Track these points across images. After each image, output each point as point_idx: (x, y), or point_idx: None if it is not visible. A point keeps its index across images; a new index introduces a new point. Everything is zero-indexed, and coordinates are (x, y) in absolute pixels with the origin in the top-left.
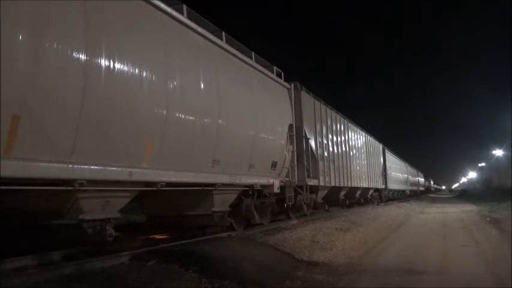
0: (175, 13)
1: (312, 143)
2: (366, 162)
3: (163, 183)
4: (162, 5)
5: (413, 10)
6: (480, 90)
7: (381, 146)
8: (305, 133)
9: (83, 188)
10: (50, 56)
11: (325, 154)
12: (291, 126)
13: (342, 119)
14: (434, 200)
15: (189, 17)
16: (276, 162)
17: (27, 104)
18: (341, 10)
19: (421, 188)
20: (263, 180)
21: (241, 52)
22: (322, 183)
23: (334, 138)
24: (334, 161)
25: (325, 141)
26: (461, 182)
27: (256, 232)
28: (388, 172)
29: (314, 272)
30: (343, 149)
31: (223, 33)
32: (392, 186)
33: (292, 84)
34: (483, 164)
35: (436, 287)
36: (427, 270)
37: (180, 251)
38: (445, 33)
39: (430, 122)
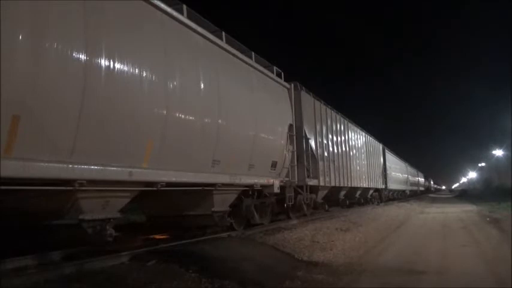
0: (175, 13)
1: (312, 143)
2: (366, 162)
3: (163, 183)
4: (162, 5)
5: (413, 10)
6: (480, 90)
7: (381, 146)
8: (305, 133)
9: (83, 188)
10: (50, 56)
11: (325, 154)
12: (291, 126)
13: (342, 119)
14: (434, 200)
15: (189, 17)
16: (276, 162)
17: (27, 104)
18: (341, 10)
19: (421, 188)
20: (263, 180)
21: (241, 52)
22: (322, 183)
23: (334, 138)
24: (334, 161)
25: (325, 141)
26: (461, 182)
27: (256, 232)
28: (388, 172)
29: (314, 272)
30: (343, 149)
31: (223, 33)
32: (392, 186)
33: (292, 84)
34: (483, 164)
35: (436, 287)
36: (427, 270)
37: (180, 251)
38: (445, 33)
39: (430, 122)
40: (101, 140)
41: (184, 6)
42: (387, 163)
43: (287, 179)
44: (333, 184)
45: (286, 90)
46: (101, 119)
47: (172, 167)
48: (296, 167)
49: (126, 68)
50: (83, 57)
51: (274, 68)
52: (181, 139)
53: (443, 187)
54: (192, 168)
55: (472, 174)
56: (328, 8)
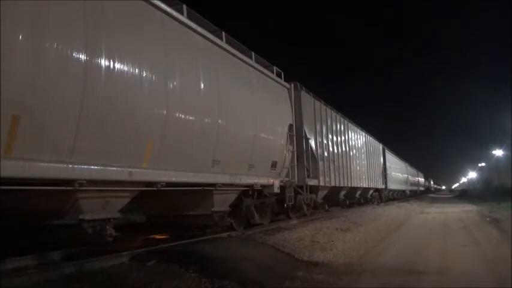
0: (175, 13)
1: (312, 143)
2: (366, 162)
3: (163, 183)
4: (162, 5)
5: (413, 10)
6: (480, 90)
7: (381, 146)
8: (305, 133)
9: (83, 188)
10: (50, 56)
11: (325, 154)
12: (291, 126)
13: (342, 119)
14: (434, 200)
15: (189, 17)
16: (276, 162)
17: (27, 104)
18: (341, 10)
19: (421, 188)
20: (263, 180)
21: (241, 52)
22: (322, 183)
23: (334, 138)
24: (334, 161)
25: (325, 141)
26: (461, 182)
27: (256, 232)
28: (388, 172)
29: (314, 272)
30: (343, 149)
31: (223, 33)
32: (392, 186)
33: (292, 84)
34: (483, 164)
35: (436, 287)
36: (427, 270)
37: (180, 251)
38: (445, 33)
39: (430, 122)
40: (101, 140)
41: (184, 6)
42: (387, 163)
43: (287, 179)
44: (333, 184)
45: (286, 90)
46: (101, 119)
47: (172, 167)
48: (296, 167)
49: (126, 68)
50: (83, 57)
51: (274, 68)
52: (181, 139)
53: (443, 187)
54: (192, 168)
55: (472, 174)
56: (328, 8)
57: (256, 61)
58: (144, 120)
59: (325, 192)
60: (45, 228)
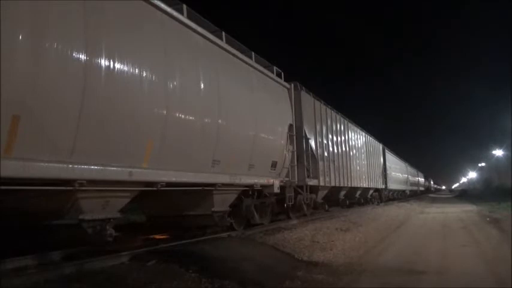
0: (175, 13)
1: (312, 143)
2: (366, 162)
3: (163, 183)
4: (162, 5)
5: (413, 10)
6: (480, 90)
7: (381, 146)
8: (305, 133)
9: (83, 188)
10: (50, 56)
11: (325, 154)
12: (291, 126)
13: (342, 119)
14: (434, 200)
15: (189, 17)
16: (276, 162)
17: (27, 104)
18: (341, 10)
19: (421, 188)
20: (263, 180)
21: (241, 52)
22: (322, 183)
23: (334, 138)
24: (334, 161)
25: (325, 141)
26: (461, 182)
27: (256, 232)
28: (388, 172)
29: (314, 272)
30: (343, 149)
31: (223, 33)
32: (392, 186)
33: (292, 84)
34: (483, 164)
35: (436, 287)
36: (427, 270)
37: (180, 251)
38: (445, 33)
39: (430, 122)
40: (101, 140)
41: (184, 6)
42: (387, 163)
43: (287, 179)
44: (333, 184)
45: (286, 90)
46: (101, 119)
47: (172, 167)
48: (296, 167)
49: (126, 68)
50: (83, 57)
51: (274, 68)
52: (181, 139)
53: (443, 187)
54: (192, 168)
55: (472, 174)
56: (328, 8)
57: (256, 61)
58: (144, 120)
59: (325, 192)
60: (45, 228)
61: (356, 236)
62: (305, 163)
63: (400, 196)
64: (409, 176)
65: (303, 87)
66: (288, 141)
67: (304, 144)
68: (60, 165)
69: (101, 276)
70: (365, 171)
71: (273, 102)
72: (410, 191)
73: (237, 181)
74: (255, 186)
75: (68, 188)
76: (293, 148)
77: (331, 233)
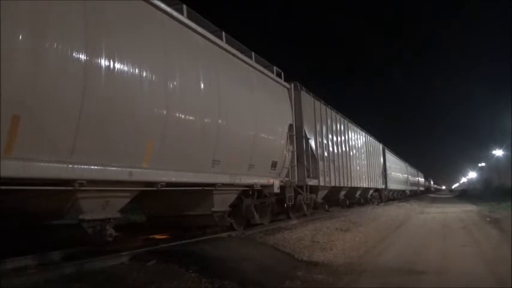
0: (175, 13)
1: (312, 143)
2: (366, 162)
3: (163, 183)
4: (162, 5)
5: (413, 10)
6: (480, 90)
7: (381, 146)
8: (305, 133)
9: (83, 188)
10: (50, 56)
11: (325, 154)
12: (291, 126)
13: (342, 119)
14: (434, 200)
15: (189, 17)
16: (276, 162)
17: (27, 104)
18: (341, 10)
19: (421, 188)
20: (263, 180)
21: (241, 52)
22: (322, 183)
23: (334, 138)
24: (334, 161)
25: (325, 141)
26: (461, 182)
27: (256, 232)
28: (388, 172)
29: (314, 272)
30: (343, 149)
31: (223, 33)
32: (392, 186)
33: (292, 84)
34: (483, 164)
35: (436, 287)
36: (427, 270)
37: (180, 251)
38: (445, 33)
39: (430, 122)
40: (101, 140)
41: (184, 6)
42: (387, 163)
43: (287, 179)
44: (333, 184)
45: (286, 90)
46: (101, 119)
47: (172, 167)
48: (296, 167)
49: (126, 68)
50: (83, 57)
51: (274, 68)
52: (181, 139)
53: (443, 187)
54: (192, 168)
55: (472, 174)
56: (328, 8)
57: (256, 61)
58: (144, 120)
59: (325, 192)
60: (45, 228)
61: (356, 236)
62: (305, 163)
63: (400, 196)
64: (409, 176)
65: (303, 87)
66: (288, 141)
67: (304, 144)
68: (60, 165)
69: (101, 276)
70: (365, 171)
71: (273, 102)
72: (410, 191)
73: (237, 181)
74: (255, 186)
75: (68, 188)
76: (293, 148)
77: (331, 233)
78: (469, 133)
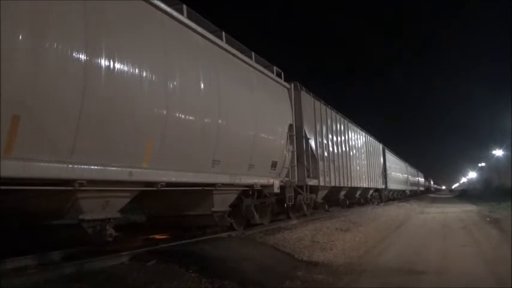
0: (175, 13)
1: (312, 143)
2: (366, 162)
3: (163, 183)
4: (162, 5)
5: (413, 10)
6: (480, 90)
7: (381, 146)
8: (305, 133)
9: (83, 188)
10: (50, 56)
11: (325, 154)
12: (291, 126)
13: (342, 119)
14: (434, 200)
15: (189, 17)
16: (276, 162)
17: (27, 104)
18: (341, 10)
19: (421, 188)
20: (263, 180)
21: (241, 52)
22: (322, 183)
23: (334, 138)
24: (334, 161)
25: (325, 141)
26: (461, 182)
27: (256, 232)
28: (388, 172)
29: (314, 272)
30: (343, 149)
31: (223, 33)
32: (392, 186)
33: (292, 84)
34: (483, 164)
35: (436, 287)
36: (427, 270)
37: (180, 251)
38: (445, 33)
39: (430, 122)
40: (101, 140)
41: (184, 6)
42: (387, 163)
43: (287, 179)
44: (333, 184)
45: (286, 90)
46: (101, 119)
47: (172, 167)
48: (296, 167)
49: (126, 68)
50: (83, 57)
51: (274, 68)
52: (181, 139)
53: (443, 187)
54: (192, 168)
55: (472, 174)
56: (328, 8)
57: (256, 61)
58: (144, 120)
59: (325, 192)
60: (45, 228)
61: (356, 236)
62: (305, 163)
63: (400, 196)
64: (409, 176)
65: (303, 87)
66: (288, 141)
67: (304, 144)
68: (60, 165)
69: (101, 276)
70: (365, 171)
71: (273, 102)
72: (410, 191)
73: (237, 181)
74: (255, 186)
75: (68, 188)
76: (293, 148)
77: (331, 233)
78: (469, 133)
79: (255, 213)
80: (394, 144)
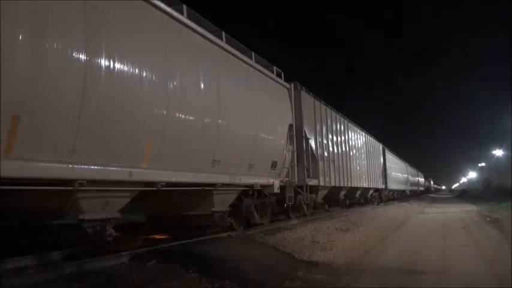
0: (175, 13)
1: (312, 143)
2: (366, 162)
3: (163, 183)
4: (162, 5)
5: (413, 10)
6: (480, 90)
7: (381, 146)
8: (305, 133)
9: (83, 188)
10: (50, 56)
11: (325, 154)
12: (291, 126)
13: (342, 119)
14: (434, 200)
15: (189, 17)
16: (276, 162)
17: (27, 104)
18: (341, 10)
19: (421, 188)
20: (263, 180)
21: (241, 52)
22: (322, 183)
23: (334, 138)
24: (334, 161)
25: (325, 141)
26: (461, 182)
27: (256, 232)
28: (388, 172)
29: (314, 272)
30: (343, 149)
31: (223, 33)
32: (392, 186)
33: (292, 84)
34: (483, 164)
35: (436, 287)
36: (427, 270)
37: (180, 251)
38: (445, 33)
39: (430, 122)
40: (101, 140)
41: (184, 6)
42: (387, 163)
43: (287, 179)
44: (333, 184)
45: (286, 90)
46: (101, 119)
47: (172, 167)
48: (296, 167)
49: (126, 68)
50: (83, 57)
51: (274, 68)
52: (181, 139)
53: (443, 187)
54: (192, 168)
55: (472, 174)
56: (328, 8)
57: (256, 61)
58: (144, 120)
59: (325, 192)
60: (45, 228)
61: (356, 236)
62: (305, 163)
63: (400, 196)
64: (409, 176)
65: (303, 87)
66: (288, 141)
67: (304, 144)
68: (60, 165)
69: (101, 276)
70: (365, 171)
71: (273, 102)
72: (410, 191)
73: (237, 181)
74: (255, 186)
75: (68, 188)
76: (293, 148)
77: (331, 233)
78: (469, 133)
79: (255, 213)
80: (394, 144)
